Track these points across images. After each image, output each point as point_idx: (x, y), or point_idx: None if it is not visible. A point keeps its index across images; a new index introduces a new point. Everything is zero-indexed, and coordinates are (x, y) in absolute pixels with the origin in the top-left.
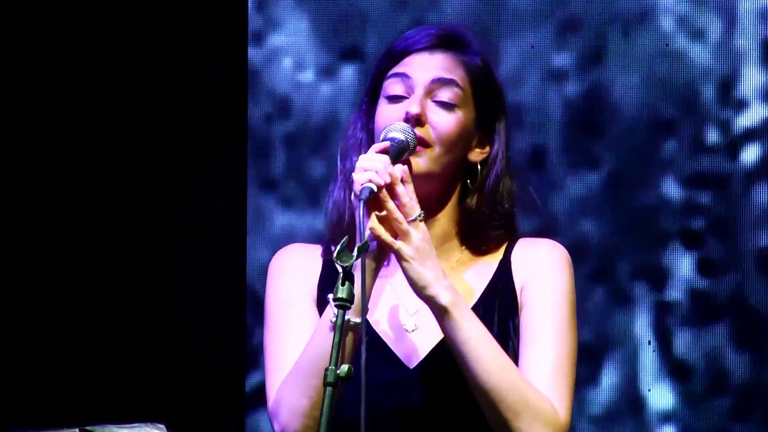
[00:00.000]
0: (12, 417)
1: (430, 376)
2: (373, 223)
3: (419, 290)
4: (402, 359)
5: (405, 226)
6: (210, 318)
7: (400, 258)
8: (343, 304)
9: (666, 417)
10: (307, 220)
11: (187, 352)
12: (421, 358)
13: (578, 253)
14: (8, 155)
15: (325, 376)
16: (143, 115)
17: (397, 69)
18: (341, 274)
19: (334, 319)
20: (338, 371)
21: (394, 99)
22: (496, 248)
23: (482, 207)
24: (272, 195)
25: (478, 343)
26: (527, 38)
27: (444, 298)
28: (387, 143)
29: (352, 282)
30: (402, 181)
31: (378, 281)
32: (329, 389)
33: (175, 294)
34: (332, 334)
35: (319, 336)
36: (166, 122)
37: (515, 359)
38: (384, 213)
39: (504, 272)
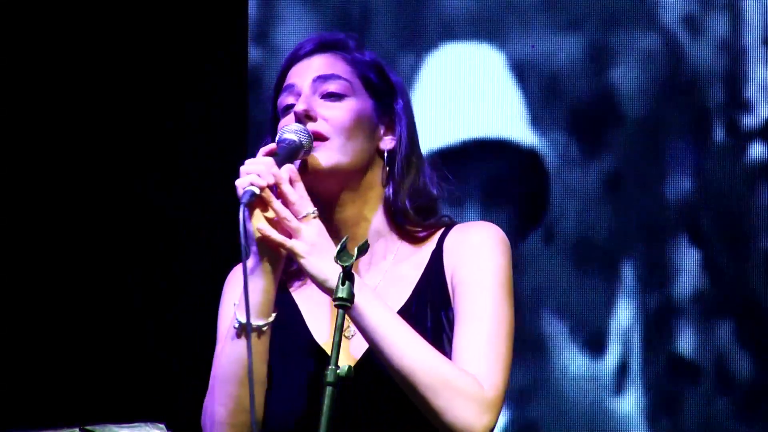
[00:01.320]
0: (12, 417)
1: (367, 377)
2: (259, 223)
3: (320, 285)
4: (340, 363)
5: (295, 223)
6: (210, 318)
7: (295, 256)
8: (343, 304)
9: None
10: None
11: (187, 352)
12: (356, 361)
13: (583, 250)
14: (6, 157)
15: (325, 375)
16: (143, 115)
17: (283, 86)
18: (341, 274)
19: (236, 326)
20: (338, 371)
21: (286, 110)
22: (431, 235)
23: (400, 193)
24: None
25: (387, 329)
26: (527, 37)
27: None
28: (273, 145)
29: (352, 282)
30: (291, 180)
31: (311, 288)
32: (329, 389)
33: (175, 294)
34: (236, 341)
35: (225, 343)
36: (165, 122)
37: (451, 351)
38: (273, 215)
39: (435, 262)
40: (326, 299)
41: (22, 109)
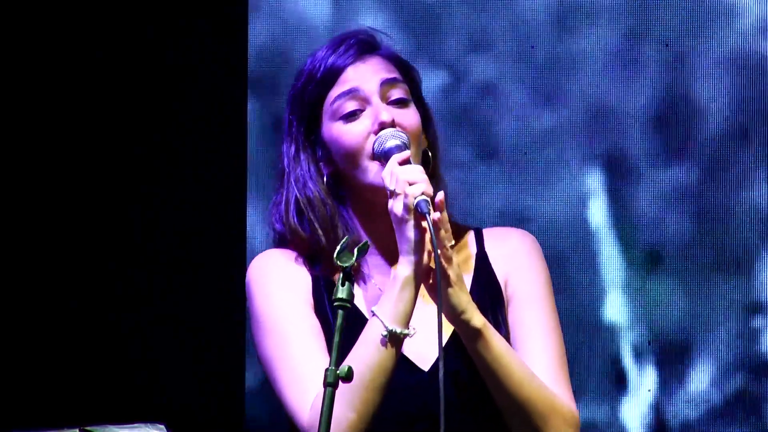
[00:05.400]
0: (12, 417)
1: (445, 375)
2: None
3: (456, 315)
4: (415, 362)
5: (449, 252)
6: (210, 318)
7: (444, 282)
8: (343, 305)
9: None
10: None
11: (187, 353)
12: (433, 361)
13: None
14: (3, 157)
15: (326, 376)
16: (142, 114)
17: (340, 88)
18: (341, 274)
19: (384, 334)
20: (338, 371)
21: (350, 117)
22: (463, 238)
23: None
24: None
25: (509, 359)
26: (528, 39)
27: (477, 321)
28: (408, 153)
29: (351, 282)
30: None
31: (368, 289)
32: (329, 389)
33: (175, 294)
34: (381, 349)
35: (365, 349)
36: (165, 122)
37: None
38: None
39: (484, 267)
40: (373, 299)
41: (19, 109)
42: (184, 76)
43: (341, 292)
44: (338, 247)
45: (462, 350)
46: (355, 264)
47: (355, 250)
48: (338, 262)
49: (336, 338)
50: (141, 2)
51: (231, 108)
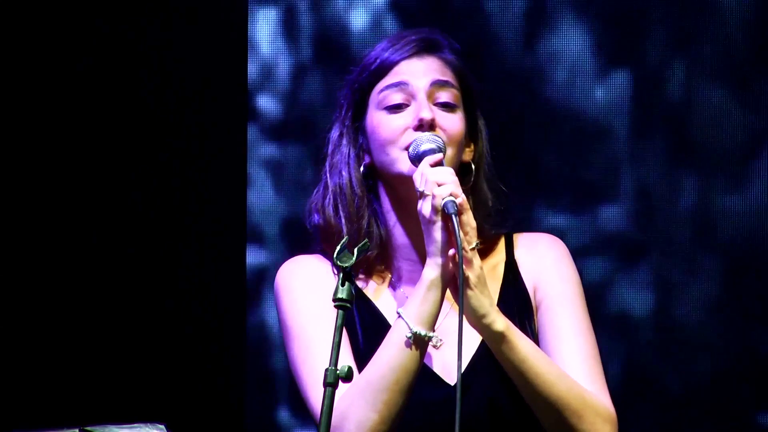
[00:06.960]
0: (12, 417)
1: (475, 389)
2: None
3: (477, 318)
4: (441, 376)
5: (470, 254)
6: (210, 318)
7: (465, 284)
8: (344, 305)
9: None
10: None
11: (187, 352)
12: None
13: None
14: (7, 158)
15: (326, 376)
16: (142, 114)
17: (390, 79)
18: (341, 274)
19: (409, 335)
20: (338, 371)
21: (395, 108)
22: (494, 244)
23: (479, 207)
24: (273, 192)
25: (535, 359)
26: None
27: (500, 324)
28: (440, 156)
29: (352, 282)
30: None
31: (397, 297)
32: (329, 389)
33: (176, 294)
34: (404, 350)
35: (389, 351)
36: (165, 122)
37: None
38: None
39: (512, 273)
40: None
41: (18, 110)
42: (184, 76)
43: (341, 293)
44: (338, 247)
45: (491, 363)
46: (355, 262)
47: (355, 250)
48: (338, 262)
49: (336, 338)
50: (141, 2)
51: (231, 108)
